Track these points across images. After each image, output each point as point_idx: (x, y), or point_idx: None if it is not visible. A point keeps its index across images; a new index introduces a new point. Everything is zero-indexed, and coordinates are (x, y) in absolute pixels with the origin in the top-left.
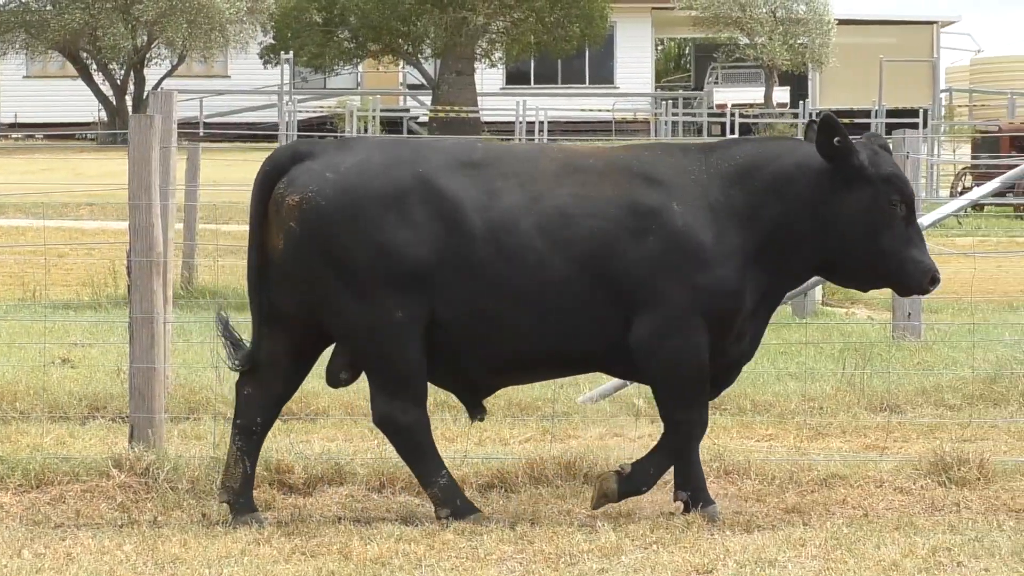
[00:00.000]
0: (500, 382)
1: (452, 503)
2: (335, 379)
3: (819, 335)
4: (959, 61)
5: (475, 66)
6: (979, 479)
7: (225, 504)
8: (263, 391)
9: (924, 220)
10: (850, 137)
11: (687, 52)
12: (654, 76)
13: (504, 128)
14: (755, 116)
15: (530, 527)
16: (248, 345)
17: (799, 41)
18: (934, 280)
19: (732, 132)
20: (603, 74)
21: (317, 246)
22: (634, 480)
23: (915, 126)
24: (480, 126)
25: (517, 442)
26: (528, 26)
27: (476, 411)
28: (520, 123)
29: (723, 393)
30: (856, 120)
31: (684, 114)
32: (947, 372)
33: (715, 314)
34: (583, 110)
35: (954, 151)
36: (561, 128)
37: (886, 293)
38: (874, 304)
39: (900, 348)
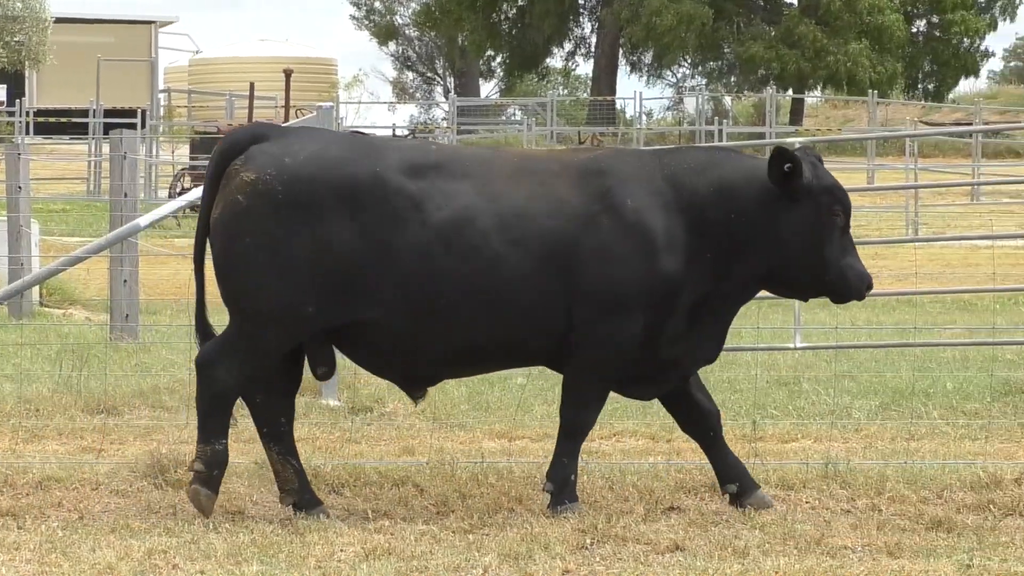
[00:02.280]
0: (447, 374)
1: (210, 469)
2: (313, 372)
3: (36, 336)
4: (178, 61)
5: None
6: None
7: (291, 506)
8: (272, 392)
9: (142, 220)
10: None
11: None
12: None
13: None
14: None
15: None
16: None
17: (15, 39)
18: (869, 286)
19: None
20: None
21: (257, 223)
22: (562, 494)
23: (133, 126)
24: None
25: None
26: None
27: (418, 394)
28: None
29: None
30: (74, 120)
31: None
32: (165, 374)
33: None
34: None
35: (173, 152)
36: None
37: (103, 293)
38: (92, 305)
39: (118, 349)
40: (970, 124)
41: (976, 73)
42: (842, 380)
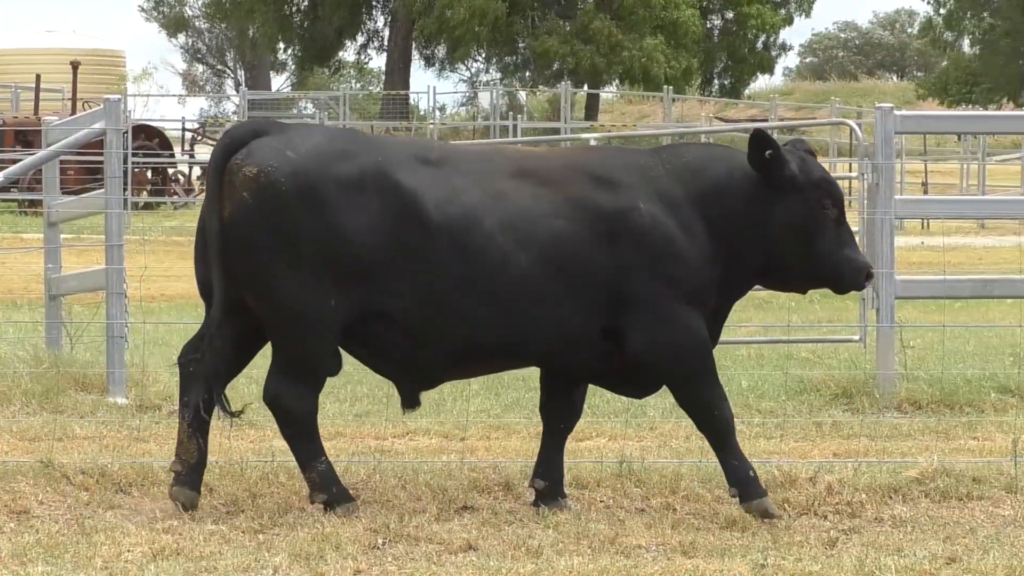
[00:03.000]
0: (454, 374)
1: (328, 489)
2: None
3: None
4: None
5: None
6: None
7: (173, 472)
8: (208, 368)
9: None
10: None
11: None
12: None
13: None
14: None
15: None
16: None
17: None
18: (869, 275)
19: None
20: None
21: (267, 220)
22: (749, 491)
23: None
24: None
25: None
26: None
27: (412, 402)
28: None
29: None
30: None
31: None
32: None
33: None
34: None
35: None
36: None
37: None
38: None
39: None
40: (765, 120)
41: (771, 70)
42: None
